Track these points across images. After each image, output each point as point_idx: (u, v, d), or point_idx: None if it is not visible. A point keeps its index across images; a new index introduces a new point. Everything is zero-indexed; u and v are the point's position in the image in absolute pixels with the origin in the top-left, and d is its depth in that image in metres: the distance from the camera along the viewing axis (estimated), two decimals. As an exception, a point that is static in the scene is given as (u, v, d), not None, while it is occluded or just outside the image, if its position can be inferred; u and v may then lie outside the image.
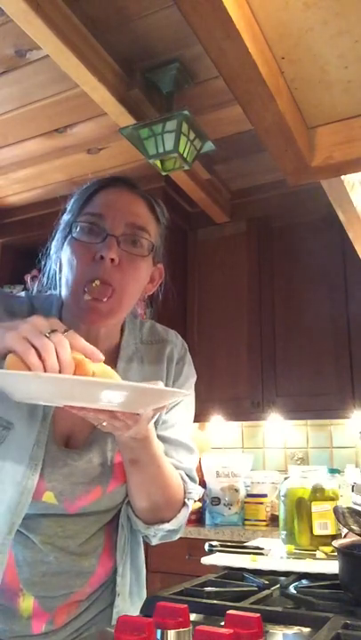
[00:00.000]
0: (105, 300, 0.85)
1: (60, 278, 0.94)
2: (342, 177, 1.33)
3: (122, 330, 1.00)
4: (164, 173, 2.47)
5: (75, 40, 2.01)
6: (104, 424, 0.75)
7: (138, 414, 0.74)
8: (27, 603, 0.91)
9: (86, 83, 2.16)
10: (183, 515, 0.98)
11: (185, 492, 0.98)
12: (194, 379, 1.07)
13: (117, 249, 0.86)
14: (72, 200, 0.95)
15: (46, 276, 0.98)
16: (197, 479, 1.05)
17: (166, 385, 0.98)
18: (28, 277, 3.58)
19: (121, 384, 0.72)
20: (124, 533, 0.99)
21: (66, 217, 0.95)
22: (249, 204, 3.29)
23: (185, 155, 2.30)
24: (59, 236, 0.96)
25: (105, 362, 0.82)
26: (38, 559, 0.91)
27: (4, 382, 0.69)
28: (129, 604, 1.00)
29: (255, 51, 0.96)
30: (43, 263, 0.99)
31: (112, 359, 0.96)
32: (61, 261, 0.93)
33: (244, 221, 3.29)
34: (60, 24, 1.94)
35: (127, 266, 0.87)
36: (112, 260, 0.85)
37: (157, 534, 0.99)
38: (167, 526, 0.96)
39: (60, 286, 0.93)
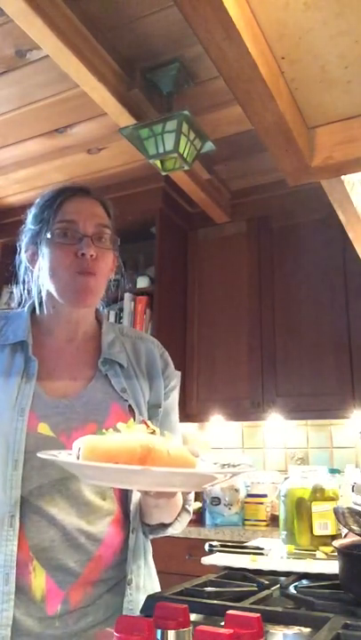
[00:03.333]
0: (92, 274, 1.03)
1: (39, 277, 1.08)
2: (342, 177, 1.33)
3: (97, 320, 1.15)
4: (164, 173, 2.47)
5: (75, 40, 2.01)
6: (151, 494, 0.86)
7: None
8: (39, 579, 0.91)
9: (86, 83, 2.17)
10: (185, 520, 1.06)
11: (185, 500, 1.06)
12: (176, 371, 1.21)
13: (93, 246, 1.03)
14: (34, 212, 1.10)
15: (19, 290, 1.15)
16: None
17: (160, 390, 1.12)
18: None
19: (208, 473, 0.78)
20: (138, 535, 1.02)
21: (32, 226, 1.10)
22: (249, 203, 3.29)
23: (185, 155, 2.30)
24: (28, 243, 1.11)
25: (87, 341, 1.09)
26: (47, 521, 0.92)
27: (99, 474, 0.74)
28: (143, 596, 1.00)
29: (255, 51, 0.96)
30: (19, 279, 1.15)
31: (96, 339, 1.10)
32: (39, 265, 1.08)
33: (244, 221, 3.29)
34: (60, 24, 1.94)
35: (100, 258, 1.04)
36: (91, 255, 1.02)
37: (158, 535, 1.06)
38: (170, 530, 1.05)
39: (41, 281, 1.07)
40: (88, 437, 0.76)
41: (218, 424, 3.23)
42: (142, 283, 3.18)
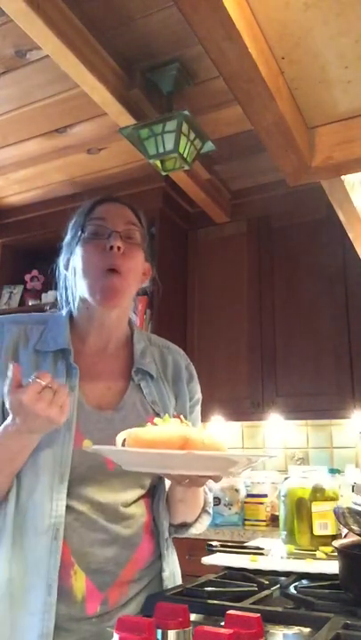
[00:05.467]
0: (118, 271, 1.07)
1: (74, 282, 1.12)
2: (342, 177, 1.33)
3: (130, 328, 1.18)
4: (164, 173, 2.47)
5: (75, 40, 2.01)
6: (185, 482, 0.89)
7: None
8: (79, 582, 0.94)
9: (86, 83, 2.16)
10: (206, 521, 1.13)
11: (205, 503, 1.12)
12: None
13: (121, 241, 1.07)
14: (72, 222, 1.15)
15: (59, 294, 1.18)
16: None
17: (185, 401, 1.16)
18: (28, 277, 3.59)
19: (240, 456, 0.87)
20: (169, 540, 1.08)
21: (68, 235, 1.14)
22: (249, 203, 3.29)
23: (185, 155, 2.30)
24: (65, 252, 1.15)
25: (119, 349, 1.13)
26: (86, 527, 0.97)
27: (147, 460, 0.82)
28: None
29: (255, 51, 0.96)
30: (57, 285, 1.19)
31: (128, 348, 1.14)
32: (72, 268, 1.12)
33: (244, 221, 3.29)
34: (60, 24, 1.94)
35: (129, 253, 1.08)
36: (118, 248, 1.06)
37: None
38: (192, 530, 1.12)
39: (75, 285, 1.11)
40: (132, 429, 0.85)
41: (218, 424, 3.23)
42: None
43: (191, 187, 2.95)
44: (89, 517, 0.97)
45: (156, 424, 0.87)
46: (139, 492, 1.04)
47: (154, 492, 1.07)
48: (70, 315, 1.13)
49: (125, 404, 1.06)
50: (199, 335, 3.23)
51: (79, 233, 1.10)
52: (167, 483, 1.07)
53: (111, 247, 1.06)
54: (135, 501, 1.03)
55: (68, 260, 1.13)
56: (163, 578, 1.04)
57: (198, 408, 1.20)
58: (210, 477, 0.89)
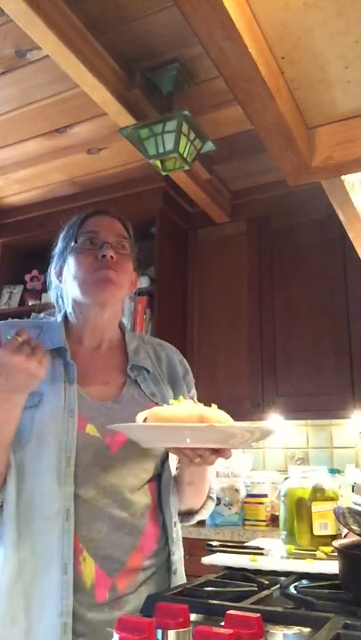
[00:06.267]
0: (112, 270, 1.11)
1: (66, 289, 1.16)
2: (342, 177, 1.33)
3: (120, 330, 1.22)
4: (164, 173, 2.47)
5: (75, 40, 2.01)
6: (197, 460, 0.92)
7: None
8: (89, 568, 0.96)
9: (86, 83, 2.16)
10: (210, 506, 1.19)
11: (210, 490, 1.17)
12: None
13: (112, 251, 1.12)
14: (61, 234, 1.20)
15: (54, 300, 1.23)
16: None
17: (183, 394, 1.18)
18: (28, 277, 3.59)
19: (255, 428, 0.89)
20: (177, 529, 1.11)
21: (59, 245, 1.19)
22: (249, 204, 3.29)
23: (185, 155, 2.30)
24: (56, 261, 1.19)
25: (113, 349, 1.17)
26: (93, 514, 0.99)
27: (169, 436, 0.88)
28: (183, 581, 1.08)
29: (255, 51, 0.96)
30: (50, 292, 1.23)
31: (121, 347, 1.18)
32: (65, 276, 1.16)
33: (244, 221, 3.29)
34: (60, 24, 1.94)
35: (120, 262, 1.13)
36: (111, 257, 1.11)
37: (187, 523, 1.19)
38: (197, 517, 1.17)
39: (68, 291, 1.16)
40: (152, 409, 0.92)
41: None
42: (142, 283, 3.17)
43: (191, 187, 2.94)
44: (95, 504, 0.99)
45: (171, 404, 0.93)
46: (143, 477, 1.06)
47: (159, 479, 1.10)
48: (65, 320, 1.17)
49: (124, 398, 1.09)
50: (199, 335, 3.23)
51: (72, 243, 1.14)
52: (173, 468, 1.11)
53: (104, 256, 1.11)
54: (141, 487, 1.05)
55: (61, 269, 1.17)
56: (172, 562, 1.07)
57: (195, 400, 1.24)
58: (220, 454, 0.92)
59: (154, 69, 2.31)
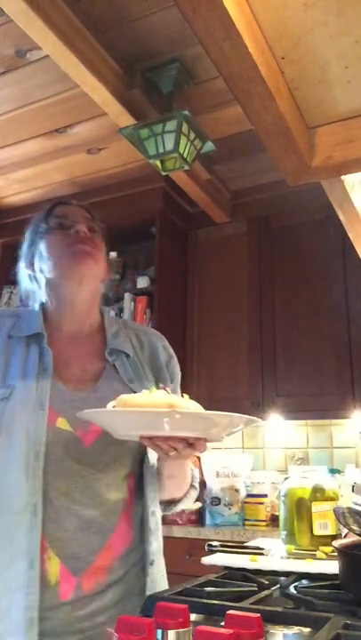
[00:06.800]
0: (87, 245, 1.10)
1: (39, 279, 1.14)
2: (342, 177, 1.33)
3: (101, 316, 1.19)
4: (164, 173, 2.47)
5: (75, 40, 2.01)
6: (172, 454, 0.90)
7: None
8: (53, 567, 0.94)
9: (86, 83, 2.17)
10: (193, 495, 1.15)
11: (192, 479, 1.14)
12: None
13: (85, 227, 1.11)
14: (30, 228, 1.19)
15: (22, 293, 1.21)
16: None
17: (165, 381, 1.16)
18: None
19: (223, 415, 0.86)
20: (155, 519, 1.07)
21: (27, 240, 1.18)
22: (249, 203, 3.29)
23: (185, 155, 2.30)
24: (26, 255, 1.18)
25: (93, 334, 1.14)
26: (61, 512, 0.96)
27: (131, 421, 0.87)
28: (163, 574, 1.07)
29: (255, 51, 0.96)
30: (20, 288, 1.22)
31: (101, 333, 1.15)
32: (37, 265, 1.14)
33: (244, 221, 3.29)
34: (60, 24, 1.94)
35: (93, 239, 1.12)
36: (84, 232, 1.10)
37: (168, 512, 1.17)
38: (180, 506, 1.15)
39: (43, 273, 1.13)
40: (121, 396, 0.89)
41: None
42: (142, 283, 3.18)
43: (191, 187, 2.95)
44: (64, 501, 0.96)
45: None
46: (121, 471, 1.03)
47: (139, 472, 1.07)
48: (42, 309, 1.14)
49: (102, 385, 1.06)
50: (199, 335, 3.23)
51: (42, 227, 1.13)
52: (154, 461, 1.08)
53: (77, 232, 1.10)
54: (117, 482, 1.02)
55: (32, 260, 1.15)
56: (148, 552, 1.03)
57: (178, 390, 1.20)
58: (195, 448, 0.90)
59: (154, 69, 2.31)
